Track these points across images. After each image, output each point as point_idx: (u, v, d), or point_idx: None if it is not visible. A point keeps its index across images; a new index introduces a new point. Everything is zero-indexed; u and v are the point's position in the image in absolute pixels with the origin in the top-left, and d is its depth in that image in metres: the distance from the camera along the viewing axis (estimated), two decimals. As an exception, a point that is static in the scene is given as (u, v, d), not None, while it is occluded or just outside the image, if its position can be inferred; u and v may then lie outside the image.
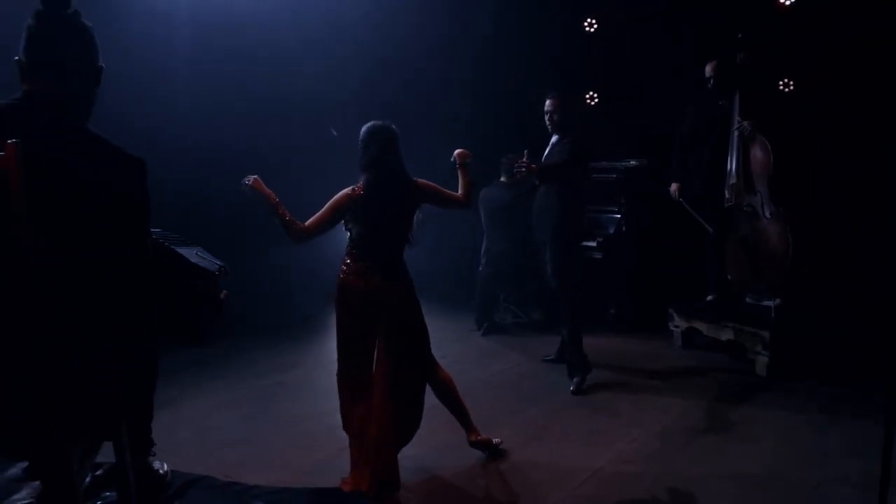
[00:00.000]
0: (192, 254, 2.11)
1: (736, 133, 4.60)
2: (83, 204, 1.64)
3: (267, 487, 2.80)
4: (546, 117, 4.13)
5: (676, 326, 5.03)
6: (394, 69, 6.24)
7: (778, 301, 4.49)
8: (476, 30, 6.30)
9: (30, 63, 1.74)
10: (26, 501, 2.41)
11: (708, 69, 4.85)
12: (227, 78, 5.61)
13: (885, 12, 4.69)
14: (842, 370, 4.12)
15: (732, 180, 4.61)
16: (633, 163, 5.75)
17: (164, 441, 2.81)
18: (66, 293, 1.62)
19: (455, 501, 2.79)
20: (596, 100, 6.70)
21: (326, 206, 2.81)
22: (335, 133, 5.99)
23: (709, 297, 5.09)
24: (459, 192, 3.05)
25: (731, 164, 4.63)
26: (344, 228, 2.88)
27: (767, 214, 4.51)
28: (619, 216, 5.68)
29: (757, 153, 4.51)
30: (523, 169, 3.75)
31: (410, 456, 2.97)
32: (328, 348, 3.69)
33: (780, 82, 5.70)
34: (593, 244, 5.49)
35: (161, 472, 2.68)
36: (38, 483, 2.25)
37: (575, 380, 4.07)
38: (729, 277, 4.81)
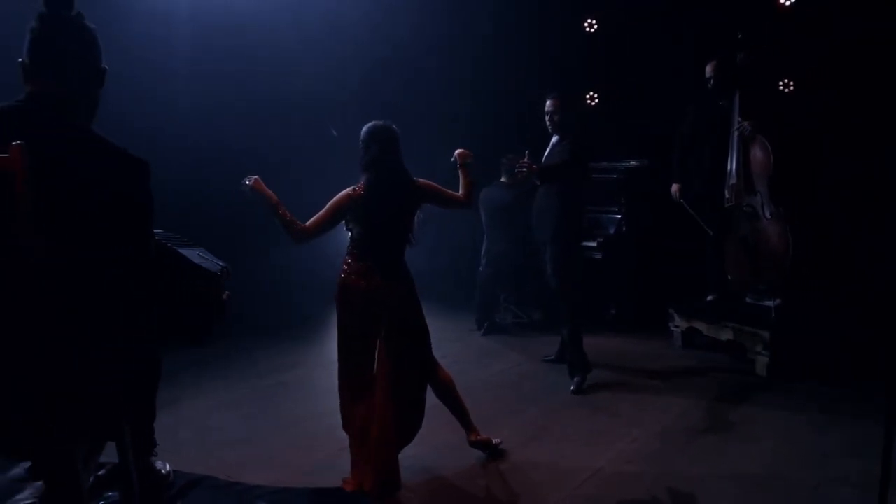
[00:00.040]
0: (195, 255, 2.11)
1: (736, 133, 4.61)
2: (83, 203, 1.64)
3: (269, 487, 2.81)
4: (546, 118, 4.13)
5: (676, 326, 5.04)
6: (394, 69, 6.24)
7: (778, 301, 4.49)
8: (476, 30, 6.29)
9: (32, 64, 1.75)
10: (29, 502, 2.41)
11: (708, 69, 4.85)
12: (227, 78, 5.61)
13: (885, 12, 4.68)
14: (842, 370, 4.13)
15: (732, 180, 4.61)
16: (633, 163, 5.75)
17: (165, 441, 2.81)
18: (66, 293, 1.62)
19: (455, 501, 2.79)
20: (596, 100, 6.70)
21: (327, 206, 2.81)
22: (335, 133, 5.99)
23: (709, 298, 5.09)
24: (460, 192, 3.06)
25: (731, 165, 4.63)
26: (345, 228, 2.88)
27: (767, 214, 4.51)
28: (619, 216, 5.68)
29: (757, 153, 4.51)
30: (524, 169, 3.76)
31: (411, 456, 2.98)
32: (328, 348, 3.70)
33: (780, 82, 5.69)
34: (593, 244, 5.49)
35: (163, 472, 2.69)
36: (40, 483, 2.25)
37: (575, 380, 4.08)
38: (729, 277, 4.81)
